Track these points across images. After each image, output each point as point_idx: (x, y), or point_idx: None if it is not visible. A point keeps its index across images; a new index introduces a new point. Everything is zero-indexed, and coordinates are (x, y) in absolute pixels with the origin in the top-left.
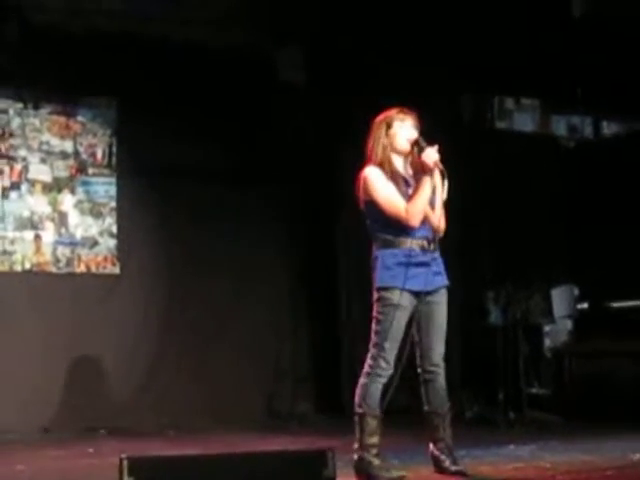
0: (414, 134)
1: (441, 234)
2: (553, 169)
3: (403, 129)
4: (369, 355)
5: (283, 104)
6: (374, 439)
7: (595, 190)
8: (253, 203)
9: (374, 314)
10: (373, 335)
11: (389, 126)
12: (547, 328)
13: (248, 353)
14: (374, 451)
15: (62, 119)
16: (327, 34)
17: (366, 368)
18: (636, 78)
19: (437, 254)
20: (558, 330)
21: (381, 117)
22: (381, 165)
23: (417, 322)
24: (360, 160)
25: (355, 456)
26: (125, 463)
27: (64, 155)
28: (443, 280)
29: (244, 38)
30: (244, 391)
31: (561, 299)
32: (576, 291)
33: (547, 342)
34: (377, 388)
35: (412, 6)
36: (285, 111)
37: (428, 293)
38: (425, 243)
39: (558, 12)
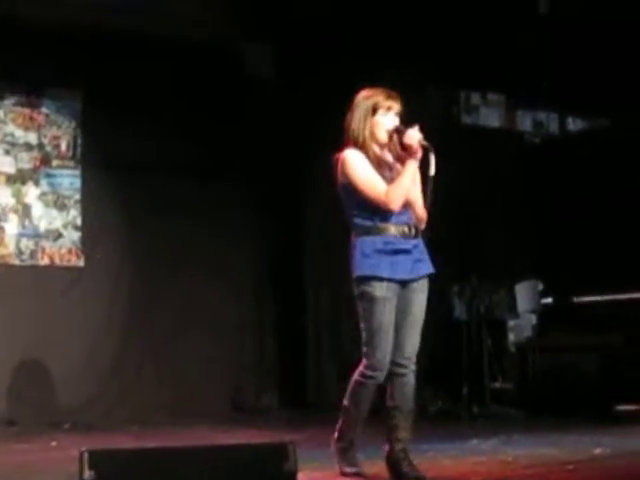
0: (395, 122)
1: (423, 224)
2: (518, 164)
3: (386, 118)
4: (363, 353)
5: (252, 99)
6: (352, 432)
7: (560, 186)
8: (219, 197)
9: (359, 311)
10: (362, 333)
11: (374, 111)
12: (511, 323)
13: (213, 347)
14: (347, 442)
15: (26, 110)
16: (296, 29)
17: (360, 367)
18: (601, 75)
19: (419, 241)
20: (522, 325)
21: (366, 96)
22: (362, 147)
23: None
24: (327, 155)
25: (332, 447)
26: (85, 456)
27: (28, 147)
28: (427, 268)
29: (213, 32)
30: (209, 385)
31: (525, 294)
32: (540, 286)
33: (511, 337)
34: (368, 387)
35: (380, 2)
36: (254, 106)
37: (410, 281)
38: (406, 229)
39: (525, 9)
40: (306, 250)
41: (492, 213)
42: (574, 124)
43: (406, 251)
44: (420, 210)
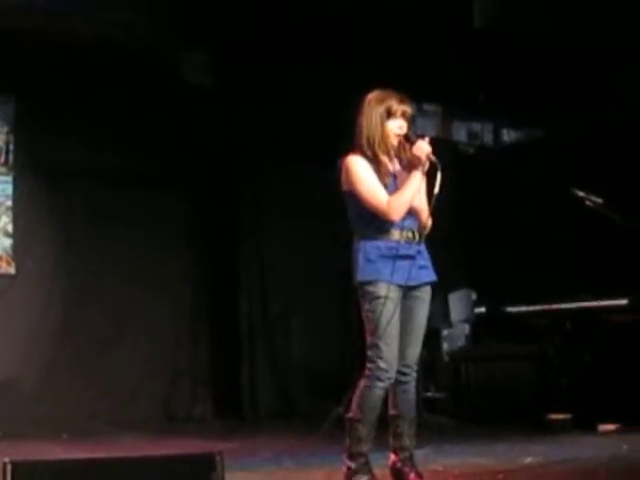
0: (404, 129)
1: (427, 230)
2: (453, 174)
3: (397, 124)
4: (367, 358)
5: (189, 107)
6: (364, 447)
7: (493, 196)
8: (155, 206)
9: (363, 314)
10: (367, 336)
11: (389, 115)
12: (444, 332)
13: (146, 356)
14: (362, 460)
15: None
16: (234, 37)
17: (366, 371)
18: (535, 86)
19: (423, 247)
20: (455, 334)
21: (379, 99)
22: (371, 153)
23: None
24: (265, 165)
25: (343, 466)
26: (8, 468)
27: None
28: (429, 275)
29: (150, 39)
30: (141, 394)
31: (458, 303)
32: (473, 295)
33: (444, 346)
34: (376, 394)
35: (318, 13)
36: (191, 114)
37: (413, 288)
38: (410, 234)
39: (460, 21)
40: (241, 258)
41: None
42: (508, 135)
43: (410, 257)
44: (425, 218)
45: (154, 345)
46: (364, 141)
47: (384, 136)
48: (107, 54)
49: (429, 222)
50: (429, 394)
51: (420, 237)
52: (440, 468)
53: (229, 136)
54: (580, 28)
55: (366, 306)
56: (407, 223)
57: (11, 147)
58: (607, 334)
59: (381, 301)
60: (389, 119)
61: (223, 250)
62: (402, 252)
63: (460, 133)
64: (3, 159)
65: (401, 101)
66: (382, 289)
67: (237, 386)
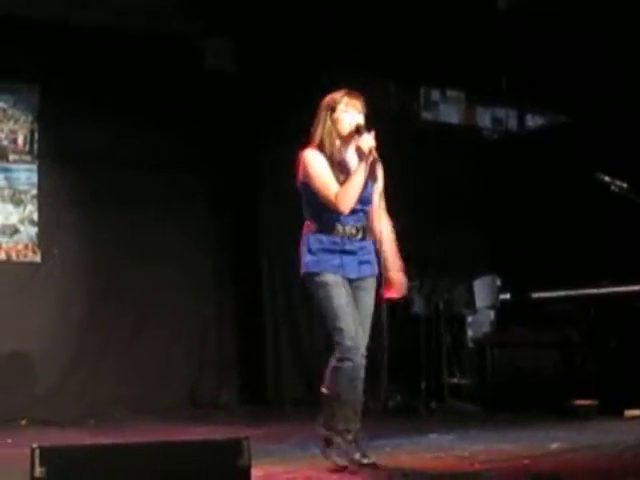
0: (358, 120)
1: (379, 227)
2: (477, 160)
3: (347, 114)
4: (334, 342)
5: (212, 93)
6: (335, 422)
7: (518, 182)
8: (179, 191)
9: (315, 303)
10: (326, 324)
11: (333, 110)
12: (469, 318)
13: (172, 342)
14: (330, 433)
15: None
16: (257, 23)
17: (336, 353)
18: (559, 72)
19: (367, 242)
20: (480, 320)
21: (327, 99)
22: (321, 148)
23: None
24: (285, 150)
25: (320, 435)
26: (37, 453)
27: None
28: (370, 269)
29: (173, 26)
30: (167, 381)
31: (483, 290)
32: (498, 282)
33: (469, 332)
34: (347, 373)
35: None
36: (214, 100)
37: (355, 280)
38: (354, 231)
39: (484, 5)
40: (263, 245)
41: (451, 209)
42: (533, 121)
43: (351, 252)
44: (376, 214)
45: (179, 332)
46: (313, 139)
47: (330, 130)
48: (130, 41)
49: (381, 219)
50: (454, 380)
51: (364, 234)
52: (466, 454)
53: (250, 121)
54: (605, 11)
55: (317, 294)
56: (349, 220)
57: (36, 136)
58: (632, 319)
59: (332, 286)
60: (335, 112)
61: (247, 237)
62: (344, 247)
63: (484, 119)
64: (28, 147)
65: (346, 94)
66: (330, 277)
67: (262, 372)
